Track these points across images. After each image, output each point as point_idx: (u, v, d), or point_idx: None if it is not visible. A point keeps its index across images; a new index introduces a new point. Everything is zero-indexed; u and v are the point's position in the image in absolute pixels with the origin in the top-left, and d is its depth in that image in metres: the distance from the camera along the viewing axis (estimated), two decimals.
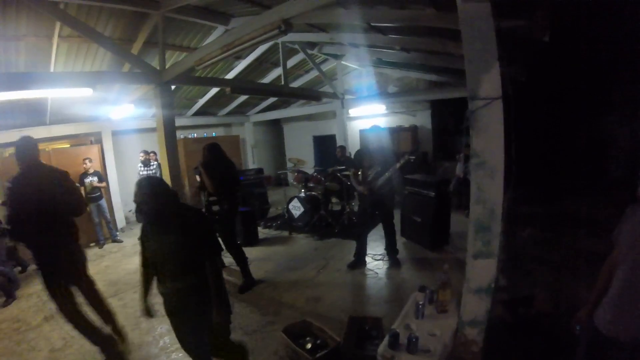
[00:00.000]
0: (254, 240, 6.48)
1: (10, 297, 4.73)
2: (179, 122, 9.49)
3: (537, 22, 2.99)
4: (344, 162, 7.35)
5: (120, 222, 8.38)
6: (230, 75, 7.71)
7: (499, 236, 2.29)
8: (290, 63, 7.99)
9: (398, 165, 4.48)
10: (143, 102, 7.92)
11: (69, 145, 7.72)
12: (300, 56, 7.84)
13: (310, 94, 9.13)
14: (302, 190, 7.26)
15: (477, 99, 2.25)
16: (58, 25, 4.57)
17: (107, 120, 8.01)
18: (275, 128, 13.52)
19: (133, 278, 5.29)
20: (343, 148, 8.00)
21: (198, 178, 4.67)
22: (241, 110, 11.41)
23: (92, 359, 3.33)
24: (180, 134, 9.83)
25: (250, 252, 5.39)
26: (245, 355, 2.80)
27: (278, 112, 11.54)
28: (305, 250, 5.95)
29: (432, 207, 5.19)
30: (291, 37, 6.41)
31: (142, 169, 7.21)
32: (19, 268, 5.72)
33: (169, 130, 5.15)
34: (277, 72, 8.18)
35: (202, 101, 9.33)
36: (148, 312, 2.47)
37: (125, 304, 4.43)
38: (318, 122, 11.80)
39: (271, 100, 10.92)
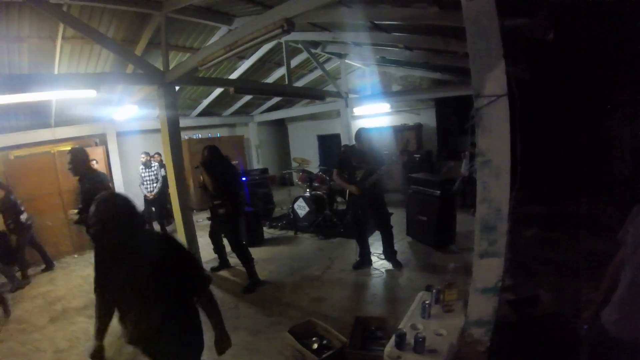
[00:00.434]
0: (259, 241, 6.49)
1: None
2: (183, 122, 9.48)
3: (541, 20, 2.96)
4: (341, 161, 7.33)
5: None
6: (234, 76, 7.72)
7: (505, 235, 2.27)
8: (294, 62, 7.98)
9: (384, 166, 4.44)
10: (147, 103, 7.94)
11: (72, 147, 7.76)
12: (303, 55, 7.84)
13: (314, 93, 9.11)
14: (307, 190, 7.26)
15: (482, 96, 2.23)
16: (61, 26, 4.60)
17: (111, 122, 8.04)
18: (280, 128, 13.52)
19: None
20: (347, 146, 7.98)
21: (201, 178, 4.68)
22: (245, 110, 11.43)
23: None
24: (184, 135, 9.84)
25: (255, 252, 5.38)
26: None
27: (282, 112, 11.54)
28: (310, 250, 5.94)
29: (437, 206, 5.16)
30: (294, 36, 6.41)
31: (143, 170, 7.24)
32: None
33: (173, 131, 5.15)
34: (281, 71, 8.17)
35: (206, 102, 9.35)
36: (98, 355, 1.96)
37: None
38: (322, 121, 11.78)
39: (275, 100, 10.93)
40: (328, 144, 11.93)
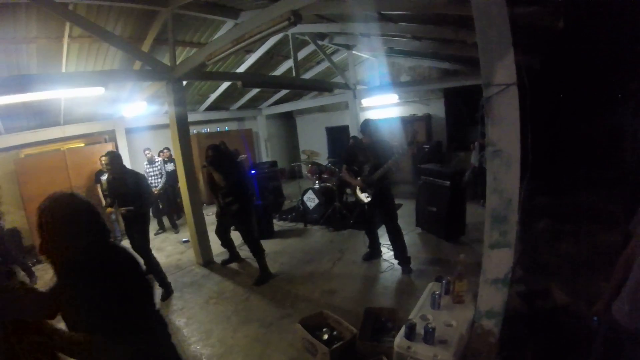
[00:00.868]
0: (270, 233, 6.52)
1: None
2: (191, 117, 9.54)
3: (551, 8, 2.90)
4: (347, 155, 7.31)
5: None
6: (242, 69, 7.72)
7: (516, 226, 2.25)
8: (301, 55, 7.94)
9: (391, 162, 4.15)
10: (155, 99, 7.99)
11: (83, 145, 7.86)
12: (310, 48, 7.80)
13: (322, 85, 9.08)
14: (316, 182, 7.27)
15: (491, 85, 2.20)
16: (68, 26, 4.62)
17: (120, 118, 8.10)
18: (288, 121, 13.51)
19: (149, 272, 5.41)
20: (356, 139, 7.95)
21: (205, 176, 4.75)
22: (253, 104, 11.44)
23: None
24: (193, 129, 9.91)
25: (265, 244, 5.41)
26: None
27: (290, 105, 11.52)
28: (320, 243, 5.97)
29: (447, 197, 5.13)
30: (301, 28, 6.38)
31: (147, 166, 7.31)
32: None
33: (182, 126, 5.20)
34: (288, 64, 8.14)
35: (213, 96, 9.36)
36: None
37: None
38: (331, 113, 11.74)
39: (283, 93, 10.92)
40: (337, 136, 11.88)
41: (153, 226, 7.76)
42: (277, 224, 7.17)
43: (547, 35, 3.29)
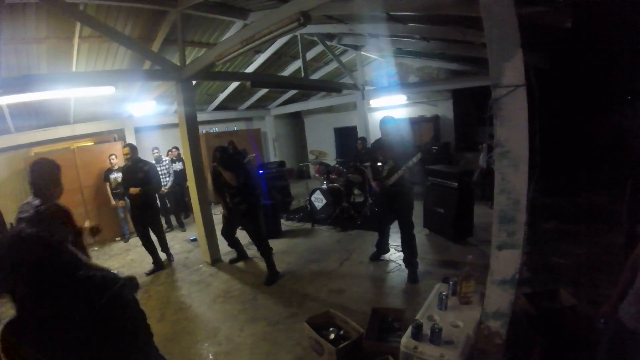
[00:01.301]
0: (277, 233, 6.55)
1: None
2: (200, 117, 9.58)
3: (559, 7, 2.89)
4: (365, 154, 7.33)
5: None
6: (250, 69, 7.77)
7: (524, 227, 2.25)
8: (310, 55, 7.97)
9: (411, 163, 3.97)
10: (164, 99, 8.07)
11: (92, 143, 7.96)
12: (319, 48, 7.82)
13: (330, 85, 9.10)
14: (324, 183, 7.29)
15: (500, 87, 2.20)
16: (78, 26, 4.68)
17: (129, 117, 8.19)
18: (296, 121, 13.55)
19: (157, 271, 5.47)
20: (364, 140, 7.96)
21: (210, 179, 4.81)
22: (262, 104, 11.50)
23: None
24: (201, 129, 9.97)
25: (273, 244, 5.46)
26: None
27: (298, 105, 11.57)
28: (327, 242, 5.98)
29: (455, 198, 5.12)
30: (310, 29, 6.39)
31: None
32: None
33: (191, 126, 5.24)
34: (297, 64, 8.18)
35: (222, 96, 9.43)
36: None
37: (150, 296, 4.58)
38: (339, 114, 11.75)
39: (291, 93, 10.97)
40: (345, 137, 11.89)
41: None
42: (285, 224, 7.20)
43: (556, 35, 3.27)
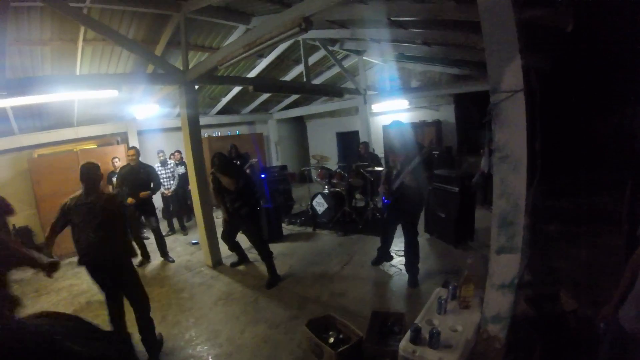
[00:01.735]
0: (278, 236, 6.56)
1: None
2: (203, 120, 9.62)
3: (561, 10, 2.90)
4: (367, 158, 7.35)
5: None
6: (253, 74, 7.80)
7: (523, 231, 2.25)
8: (312, 60, 8.00)
9: (410, 167, 3.92)
10: (167, 102, 8.12)
11: (95, 146, 8.01)
12: (321, 53, 7.84)
13: (332, 90, 9.11)
14: (326, 187, 7.30)
15: (499, 91, 2.22)
16: (82, 29, 4.72)
17: (132, 120, 8.24)
18: (299, 125, 13.58)
19: (159, 272, 5.50)
20: (366, 144, 7.98)
21: (211, 184, 4.87)
22: (264, 107, 11.54)
23: None
24: (204, 133, 10.04)
25: (274, 247, 5.48)
26: None
27: (301, 109, 11.60)
28: (329, 246, 5.99)
29: (456, 202, 5.12)
30: (312, 34, 6.44)
31: (160, 168, 7.40)
32: None
33: (194, 129, 5.27)
34: (299, 69, 8.21)
35: (225, 100, 9.48)
36: None
37: (152, 298, 4.55)
38: (341, 118, 11.78)
39: (294, 97, 11.00)
40: (347, 141, 11.92)
41: (162, 228, 7.88)
42: (287, 228, 7.21)
43: (557, 37, 3.28)
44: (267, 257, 4.73)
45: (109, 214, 3.07)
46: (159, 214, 8.73)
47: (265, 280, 4.71)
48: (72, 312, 4.36)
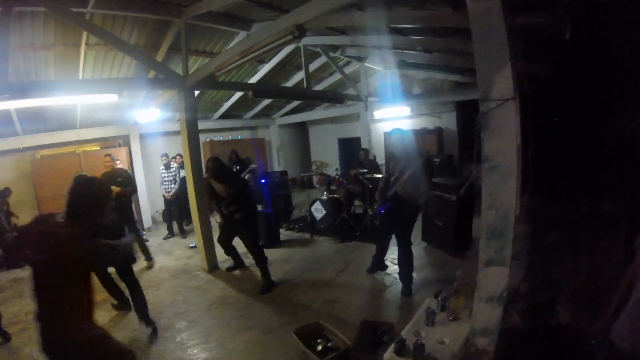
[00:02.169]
0: (276, 242, 6.55)
1: None
2: (205, 125, 9.75)
3: (558, 16, 2.87)
4: (367, 165, 7.31)
5: (147, 222, 8.65)
6: (255, 79, 7.83)
7: (512, 243, 2.21)
8: (314, 66, 8.02)
9: (405, 177, 3.91)
10: (168, 106, 8.16)
11: (98, 148, 8.06)
12: (323, 59, 7.86)
13: (333, 96, 9.13)
14: (325, 193, 7.27)
15: (489, 100, 2.19)
16: (85, 34, 4.77)
17: (134, 124, 8.29)
18: (301, 130, 13.58)
19: (156, 275, 5.49)
20: (366, 151, 7.95)
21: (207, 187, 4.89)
22: (266, 112, 11.57)
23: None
24: (206, 137, 10.09)
25: (271, 253, 5.47)
26: None
27: (302, 115, 11.63)
28: (325, 253, 5.95)
29: (453, 211, 5.06)
30: (313, 40, 6.46)
31: (163, 171, 7.43)
32: None
33: (192, 134, 5.29)
34: (301, 75, 8.21)
35: (227, 104, 9.52)
36: None
37: (148, 300, 4.56)
38: (343, 124, 11.75)
39: (296, 103, 11.03)
40: (349, 147, 11.88)
41: (162, 231, 7.91)
42: (285, 233, 7.20)
43: (556, 43, 3.24)
44: (262, 262, 4.71)
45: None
46: (159, 217, 8.80)
47: (260, 285, 4.68)
48: None
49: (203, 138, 9.87)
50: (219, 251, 5.50)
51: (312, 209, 7.18)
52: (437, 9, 3.59)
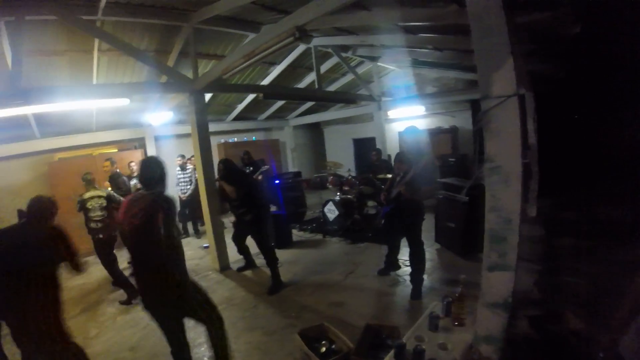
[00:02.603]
0: (287, 243, 6.55)
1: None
2: (219, 127, 9.85)
3: (565, 13, 2.75)
4: (379, 166, 7.24)
5: None
6: (266, 81, 7.83)
7: (516, 247, 2.13)
8: (325, 67, 7.98)
9: (407, 177, 3.82)
10: (181, 109, 8.27)
11: (116, 150, 8.22)
12: (334, 59, 7.80)
13: (345, 97, 9.07)
14: (337, 194, 7.24)
15: (489, 97, 2.11)
16: (97, 40, 4.84)
17: (149, 127, 8.41)
18: (316, 131, 13.57)
19: None
20: (379, 151, 7.86)
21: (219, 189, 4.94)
22: (280, 114, 11.60)
23: (119, 348, 3.64)
24: (220, 139, 10.18)
25: (282, 254, 5.47)
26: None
27: (316, 116, 11.61)
28: (336, 254, 5.92)
29: (464, 212, 4.94)
30: (323, 40, 6.43)
31: (179, 172, 7.53)
32: None
33: (203, 136, 5.34)
34: (313, 76, 8.19)
35: (240, 106, 9.57)
36: None
37: None
38: (357, 125, 11.69)
39: (309, 104, 11.01)
40: (363, 148, 11.79)
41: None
42: (297, 234, 7.19)
43: (565, 41, 3.12)
44: (272, 263, 4.73)
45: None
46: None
47: (268, 286, 4.70)
48: (80, 311, 4.52)
49: (217, 140, 9.97)
50: (231, 252, 5.54)
51: (325, 209, 7.16)
52: (442, 6, 3.51)
